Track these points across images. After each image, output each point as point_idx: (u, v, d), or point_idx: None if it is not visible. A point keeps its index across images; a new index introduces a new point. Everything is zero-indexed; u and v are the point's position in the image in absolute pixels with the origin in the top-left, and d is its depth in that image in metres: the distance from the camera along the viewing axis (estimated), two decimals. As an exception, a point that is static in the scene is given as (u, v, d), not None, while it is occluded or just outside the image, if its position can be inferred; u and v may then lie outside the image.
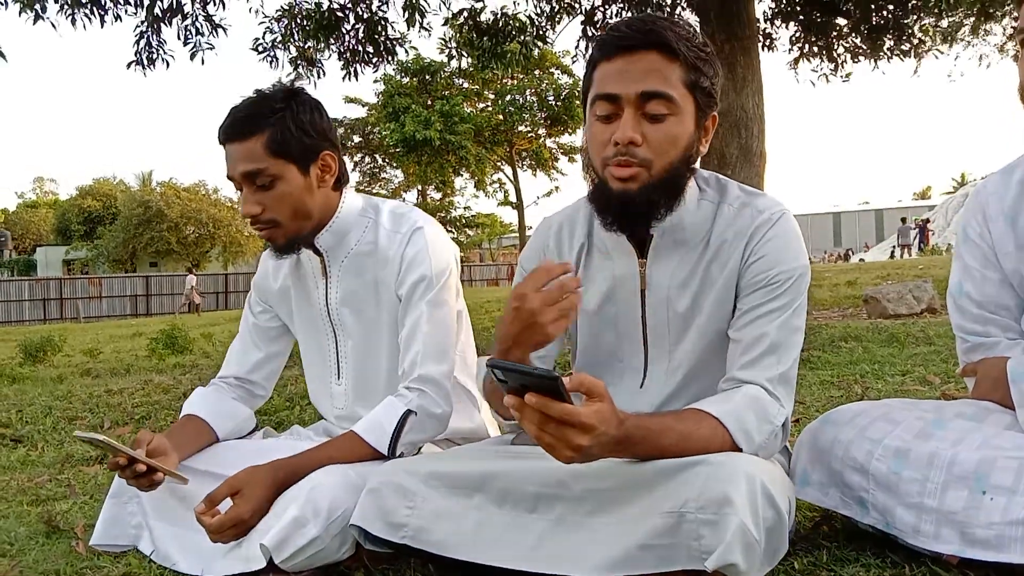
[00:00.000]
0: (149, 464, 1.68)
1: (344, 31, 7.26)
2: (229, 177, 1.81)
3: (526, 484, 1.43)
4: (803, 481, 1.58)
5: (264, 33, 7.47)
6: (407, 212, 1.96)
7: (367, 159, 38.28)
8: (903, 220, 32.54)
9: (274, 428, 2.24)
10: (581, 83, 1.57)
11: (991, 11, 7.29)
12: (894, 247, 30.24)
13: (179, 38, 6.71)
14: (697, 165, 1.56)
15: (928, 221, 30.61)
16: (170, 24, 6.59)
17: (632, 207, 1.46)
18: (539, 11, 7.62)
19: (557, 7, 7.46)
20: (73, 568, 1.81)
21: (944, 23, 7.98)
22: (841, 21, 7.69)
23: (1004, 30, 8.28)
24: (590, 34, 7.67)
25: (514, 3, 7.50)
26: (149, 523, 1.86)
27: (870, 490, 1.48)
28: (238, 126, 1.77)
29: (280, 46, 7.51)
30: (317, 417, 2.87)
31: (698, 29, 1.50)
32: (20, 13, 5.78)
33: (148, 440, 1.73)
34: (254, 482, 1.63)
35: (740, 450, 1.39)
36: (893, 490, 1.44)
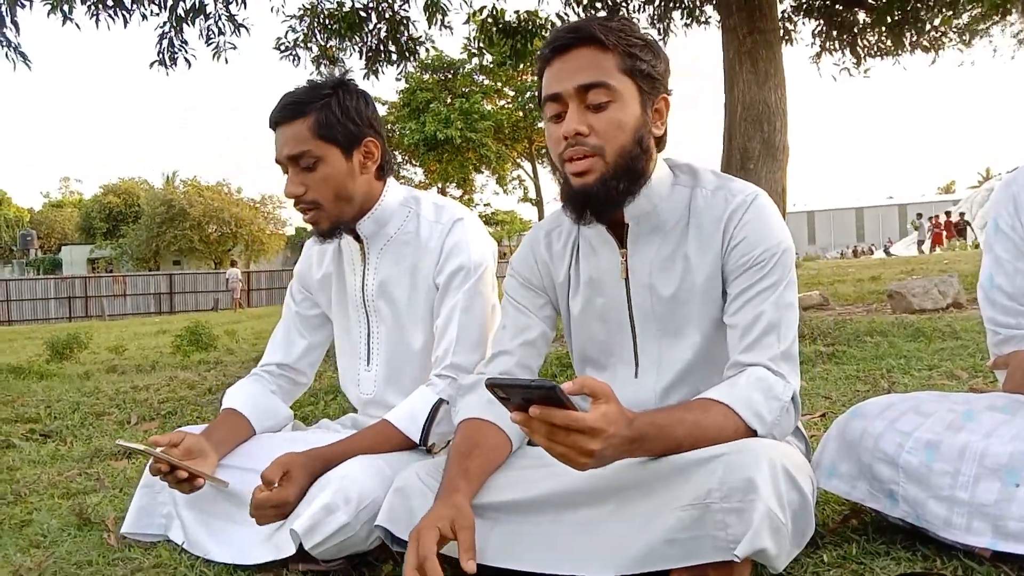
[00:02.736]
0: (190, 470, 1.71)
1: (367, 30, 7.28)
2: (277, 161, 1.86)
3: (548, 494, 1.44)
4: (831, 473, 1.58)
5: (286, 32, 7.51)
6: (448, 204, 2.00)
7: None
8: (919, 216, 32.34)
9: (301, 422, 2.25)
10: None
11: (1008, 5, 7.21)
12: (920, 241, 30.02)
13: (201, 37, 6.76)
14: (654, 147, 1.57)
15: (962, 215, 30.12)
16: (193, 24, 6.64)
17: (593, 198, 1.50)
18: (570, 9, 7.58)
19: (586, 4, 7.42)
20: (105, 559, 1.83)
21: (964, 18, 7.88)
22: (862, 16, 7.62)
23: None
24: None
25: (539, 1, 7.46)
26: (180, 512, 1.88)
27: (900, 483, 1.47)
28: (287, 110, 1.83)
29: (302, 45, 7.54)
30: (342, 412, 2.90)
31: (638, 23, 1.54)
32: (48, 15, 5.84)
33: (180, 440, 1.76)
34: (298, 466, 1.65)
35: (754, 433, 1.39)
36: (924, 483, 1.43)
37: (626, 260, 1.61)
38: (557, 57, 1.50)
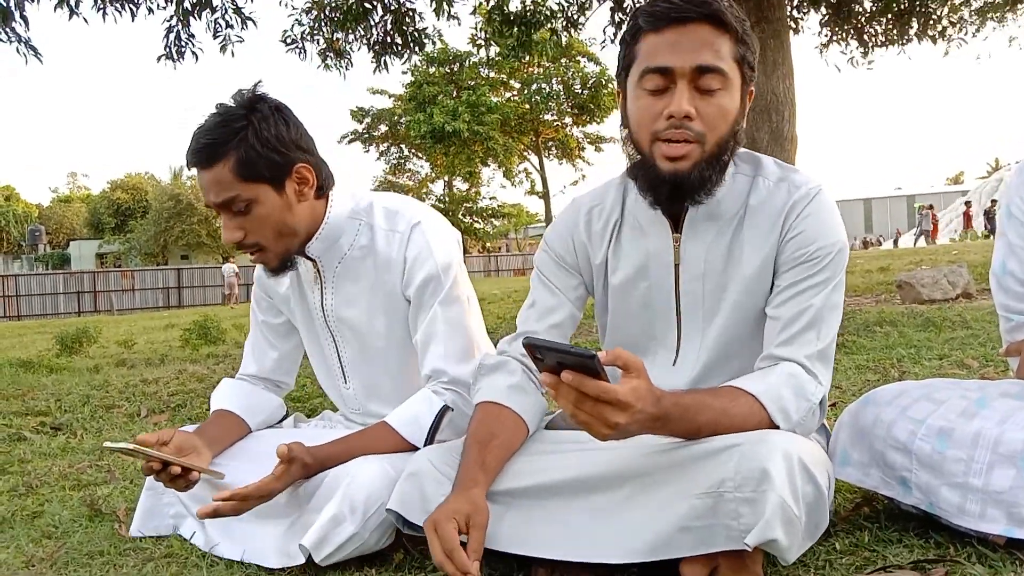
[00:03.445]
0: (184, 465, 1.67)
1: (372, 22, 7.27)
2: (206, 205, 1.76)
3: (562, 480, 1.43)
4: (843, 461, 1.57)
5: (292, 25, 7.51)
6: (401, 208, 1.89)
7: (393, 149, 38.37)
8: (930, 206, 32.20)
9: (306, 415, 2.25)
10: (619, 55, 1.53)
11: None
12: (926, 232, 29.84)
13: (208, 30, 6.76)
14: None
15: (994, 202, 29.92)
16: (199, 17, 6.64)
17: (686, 185, 1.44)
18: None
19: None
20: (116, 550, 1.84)
21: (975, 3, 7.83)
22: (868, 4, 7.58)
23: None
24: (618, 20, 7.60)
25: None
26: (191, 512, 1.88)
27: (913, 470, 1.46)
28: (202, 154, 1.68)
29: (308, 38, 7.54)
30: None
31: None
32: (55, 8, 5.85)
33: (169, 437, 1.71)
34: (299, 464, 1.63)
35: (777, 427, 1.37)
36: (937, 470, 1.42)
37: (678, 245, 1.56)
38: (671, 27, 1.40)
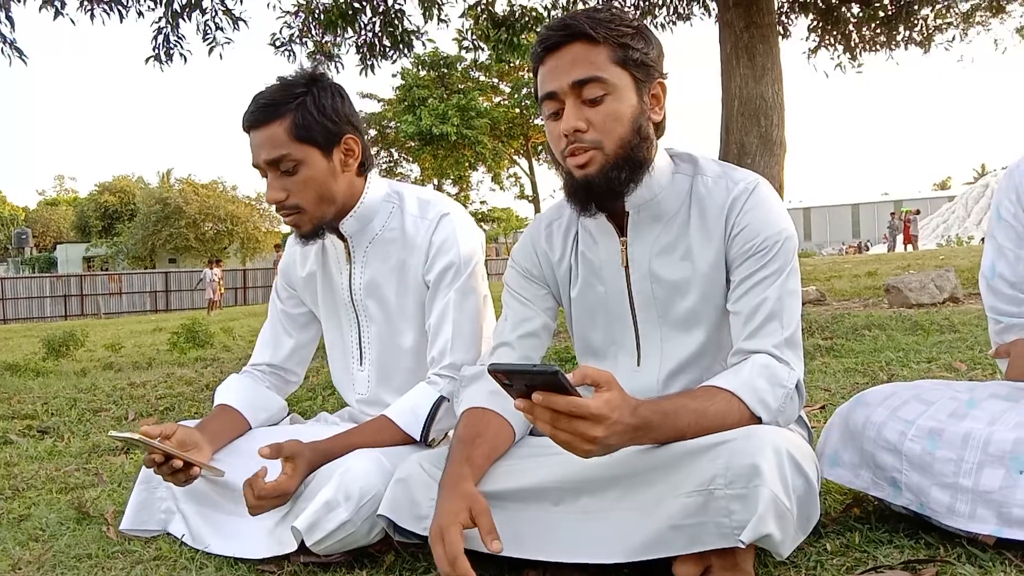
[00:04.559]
0: (185, 459, 1.68)
1: (361, 23, 7.27)
2: (254, 165, 1.81)
3: (551, 482, 1.43)
4: (834, 462, 1.57)
5: (281, 28, 7.49)
6: (433, 198, 1.96)
7: (383, 153, 38.36)
8: (917, 211, 32.24)
9: (300, 416, 2.25)
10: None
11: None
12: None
13: (197, 32, 6.74)
14: (653, 134, 1.56)
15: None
16: (189, 19, 6.62)
17: (595, 188, 1.51)
18: (554, 3, 7.61)
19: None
20: (105, 553, 1.82)
21: (962, 6, 7.89)
22: (855, 9, 7.63)
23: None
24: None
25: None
26: (180, 507, 1.87)
27: (903, 471, 1.46)
28: (260, 113, 1.77)
29: (297, 40, 7.53)
30: (340, 406, 2.89)
31: (626, 9, 1.54)
32: (40, 9, 5.82)
33: (173, 431, 1.73)
34: (303, 459, 1.64)
35: (759, 420, 1.39)
36: (927, 470, 1.43)
37: (626, 248, 1.61)
38: (549, 55, 1.51)
